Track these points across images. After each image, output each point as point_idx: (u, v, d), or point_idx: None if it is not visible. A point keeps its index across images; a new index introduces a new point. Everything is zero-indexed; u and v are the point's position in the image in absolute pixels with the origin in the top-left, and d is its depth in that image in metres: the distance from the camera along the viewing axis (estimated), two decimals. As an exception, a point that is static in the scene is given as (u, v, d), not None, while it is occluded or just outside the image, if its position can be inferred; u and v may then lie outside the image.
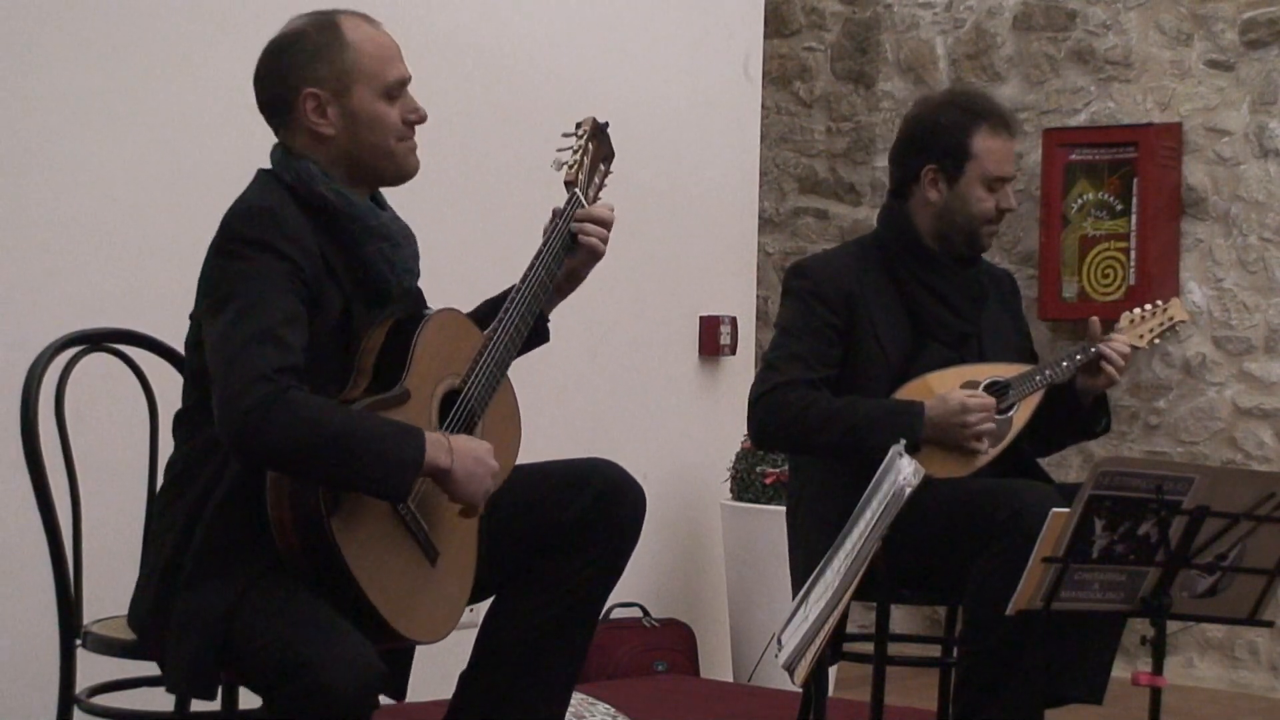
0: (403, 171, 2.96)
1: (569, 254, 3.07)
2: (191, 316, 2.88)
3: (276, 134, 2.96)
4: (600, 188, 3.21)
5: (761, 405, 3.71)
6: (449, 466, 2.74)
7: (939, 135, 3.77)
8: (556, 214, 3.09)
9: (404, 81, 2.94)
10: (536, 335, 3.10)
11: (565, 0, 5.48)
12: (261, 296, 2.72)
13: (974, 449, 3.65)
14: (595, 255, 3.09)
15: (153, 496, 3.17)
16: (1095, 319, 3.84)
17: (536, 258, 3.03)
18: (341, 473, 2.65)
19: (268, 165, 2.96)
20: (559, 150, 3.17)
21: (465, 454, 2.76)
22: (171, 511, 2.85)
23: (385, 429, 2.70)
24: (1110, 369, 3.75)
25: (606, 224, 3.10)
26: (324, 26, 2.92)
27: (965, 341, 3.81)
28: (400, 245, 2.94)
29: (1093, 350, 3.76)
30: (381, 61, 2.92)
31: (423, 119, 2.96)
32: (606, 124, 3.24)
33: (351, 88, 2.90)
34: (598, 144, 3.21)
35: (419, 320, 2.88)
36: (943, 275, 3.80)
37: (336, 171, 2.91)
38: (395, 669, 2.91)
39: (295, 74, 2.89)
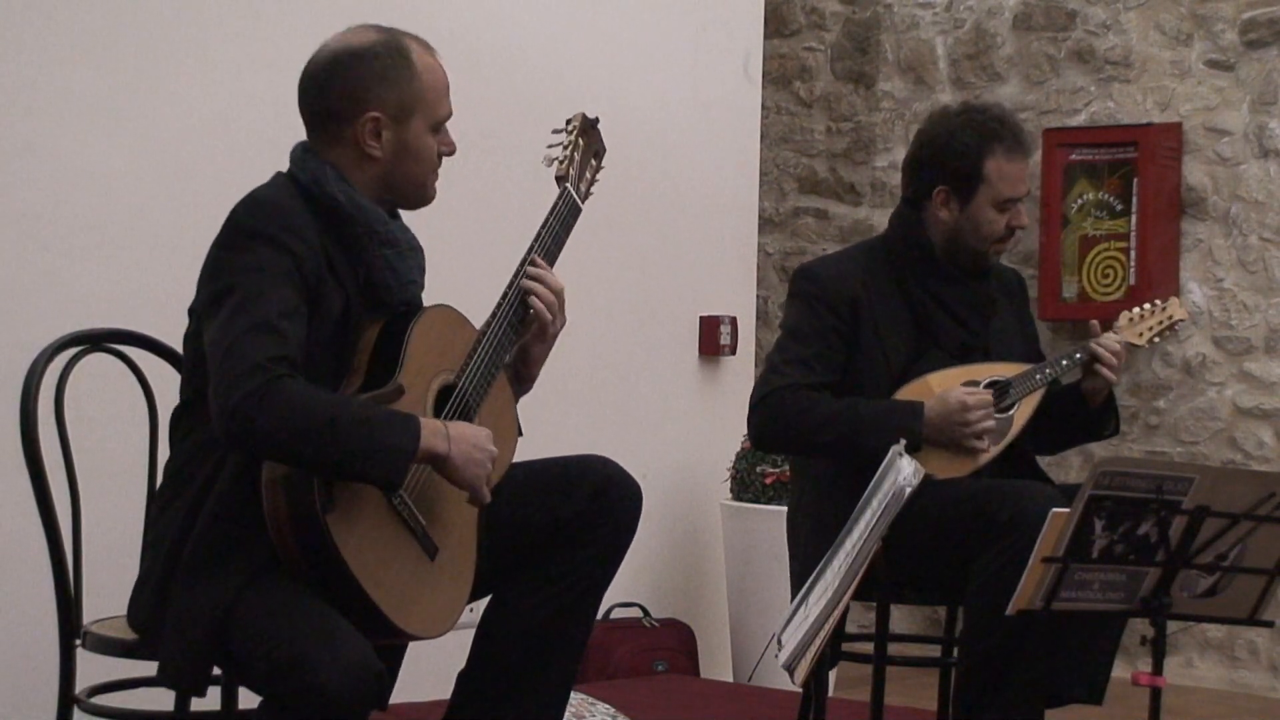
0: (424, 201, 2.98)
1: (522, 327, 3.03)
2: (190, 310, 2.88)
3: (312, 138, 2.92)
4: (592, 183, 3.21)
5: (762, 408, 3.71)
6: (446, 452, 2.74)
7: (951, 157, 3.72)
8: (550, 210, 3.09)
9: (450, 117, 2.94)
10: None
11: (566, 0, 5.48)
12: (260, 289, 2.71)
13: (974, 448, 3.65)
14: (545, 328, 3.03)
15: (153, 496, 3.17)
16: (1095, 322, 3.84)
17: (530, 248, 3.04)
18: (335, 458, 2.64)
19: (268, 163, 2.95)
20: (549, 146, 3.16)
21: (463, 439, 2.76)
22: (170, 511, 2.84)
23: (379, 415, 2.70)
24: (1104, 369, 3.75)
25: (557, 291, 3.03)
26: (395, 50, 2.90)
27: (970, 354, 3.79)
28: (405, 255, 2.93)
29: (1090, 348, 3.76)
30: (439, 95, 2.92)
31: (453, 153, 2.96)
32: (597, 119, 3.23)
33: (411, 118, 2.89)
34: (588, 139, 3.20)
35: (411, 317, 2.87)
36: (952, 286, 3.77)
37: (367, 188, 2.89)
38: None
39: (363, 93, 2.87)
